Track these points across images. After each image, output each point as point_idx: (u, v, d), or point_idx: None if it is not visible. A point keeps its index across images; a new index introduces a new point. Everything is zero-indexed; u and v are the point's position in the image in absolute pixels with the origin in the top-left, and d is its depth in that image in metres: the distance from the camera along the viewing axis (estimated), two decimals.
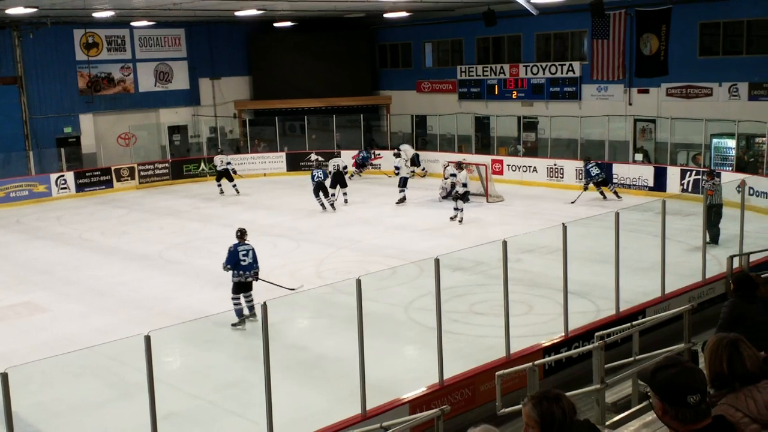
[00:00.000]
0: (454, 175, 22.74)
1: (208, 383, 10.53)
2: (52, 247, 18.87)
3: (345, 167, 22.71)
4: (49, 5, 21.45)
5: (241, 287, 12.38)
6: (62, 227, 21.20)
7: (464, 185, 20.06)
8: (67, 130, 28.14)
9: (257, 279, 12.59)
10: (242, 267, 12.36)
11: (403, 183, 22.57)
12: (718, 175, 17.05)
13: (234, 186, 24.96)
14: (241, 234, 12.78)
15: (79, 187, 26.15)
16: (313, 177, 21.77)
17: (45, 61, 27.24)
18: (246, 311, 12.39)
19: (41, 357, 9.45)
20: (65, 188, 25.88)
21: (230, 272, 12.42)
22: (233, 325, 12.20)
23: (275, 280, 14.82)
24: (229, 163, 25.14)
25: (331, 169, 22.42)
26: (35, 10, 21.57)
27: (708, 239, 14.12)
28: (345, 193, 22.36)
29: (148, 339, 6.59)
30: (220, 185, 25.01)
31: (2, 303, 14.30)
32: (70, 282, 15.64)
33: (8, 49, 26.54)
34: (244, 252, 12.43)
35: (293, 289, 13.51)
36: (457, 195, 19.89)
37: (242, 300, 12.41)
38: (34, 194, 25.24)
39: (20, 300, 14.43)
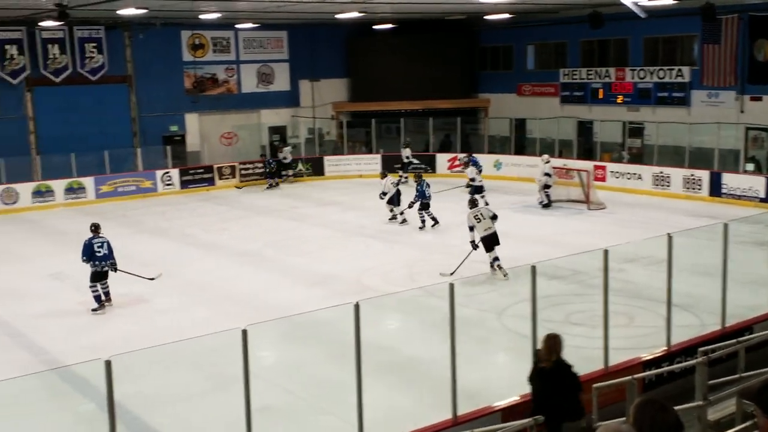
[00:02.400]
0: (549, 174, 22.27)
1: (300, 379, 10.64)
2: (155, 241, 19.52)
3: (398, 182, 21.32)
4: (158, 7, 22.23)
5: (98, 276, 13.76)
6: (166, 222, 21.90)
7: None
8: (173, 128, 29.10)
9: (115, 270, 13.95)
10: (98, 258, 13.67)
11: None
12: None
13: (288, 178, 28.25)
14: (95, 228, 13.98)
15: (183, 184, 26.98)
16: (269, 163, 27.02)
17: (154, 61, 28.24)
18: (103, 297, 13.77)
19: (142, 346, 9.73)
20: (170, 184, 26.76)
21: (89, 263, 13.71)
22: (93, 310, 13.65)
23: (368, 281, 14.89)
24: (284, 158, 28.16)
25: (390, 186, 20.76)
26: (146, 11, 22.39)
27: None
28: (398, 209, 20.46)
29: (245, 333, 6.66)
30: (276, 180, 27.63)
31: None
32: (171, 275, 16.09)
33: (119, 49, 27.65)
34: (99, 244, 13.73)
35: (152, 279, 14.46)
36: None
37: (99, 287, 13.76)
38: (141, 189, 26.19)
39: (123, 291, 14.93)
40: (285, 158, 28.01)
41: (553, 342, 7.51)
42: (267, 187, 27.33)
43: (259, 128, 30.79)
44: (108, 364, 6.16)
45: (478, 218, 15.16)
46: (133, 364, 10.21)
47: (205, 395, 10.21)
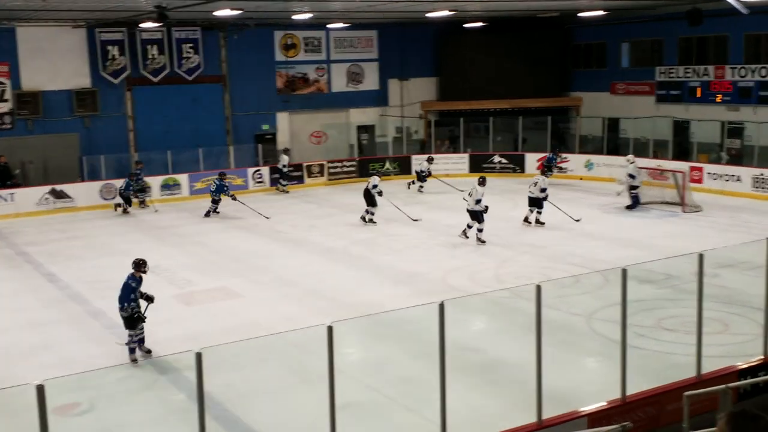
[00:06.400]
0: (632, 176, 21.68)
1: (384, 377, 10.69)
2: (246, 237, 19.97)
3: (375, 186, 20.95)
4: (253, 8, 22.73)
5: None
6: (256, 219, 22.36)
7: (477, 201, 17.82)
8: (265, 127, 29.69)
9: None
10: None
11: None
12: None
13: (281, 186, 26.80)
14: None
15: (273, 182, 27.47)
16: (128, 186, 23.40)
17: (247, 61, 28.88)
18: None
19: (232, 340, 9.98)
20: (261, 182, 27.31)
21: None
22: None
23: (454, 281, 14.86)
24: (283, 166, 26.88)
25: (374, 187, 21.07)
26: (240, 12, 22.93)
27: None
28: (369, 212, 20.91)
29: (330, 329, 6.74)
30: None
31: (199, 287, 15.28)
32: (261, 270, 16.46)
33: (215, 50, 28.39)
34: None
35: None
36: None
37: None
38: (233, 187, 26.64)
39: (215, 285, 15.35)
40: (284, 166, 26.90)
41: None
42: (123, 211, 23.55)
43: (347, 127, 31.10)
44: (198, 356, 6.34)
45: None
46: (222, 356, 10.49)
47: (291, 389, 10.38)
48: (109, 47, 26.32)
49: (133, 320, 11.17)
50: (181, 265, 16.93)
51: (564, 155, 28.08)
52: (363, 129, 31.48)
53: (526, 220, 20.03)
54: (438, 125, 31.29)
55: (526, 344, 8.35)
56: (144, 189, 24.27)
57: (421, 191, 25.90)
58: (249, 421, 9.51)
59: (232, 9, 22.15)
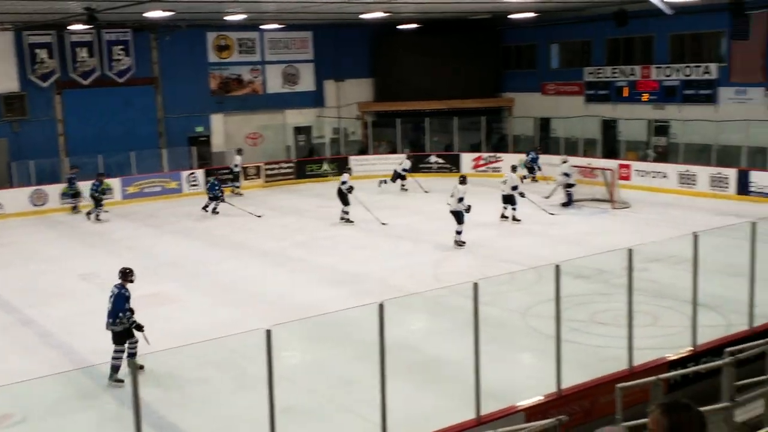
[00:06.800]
0: (567, 174, 22.19)
1: (324, 379, 10.69)
2: (181, 241, 19.70)
3: (344, 182, 20.97)
4: (184, 9, 22.42)
5: None
6: (192, 222, 22.09)
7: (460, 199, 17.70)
8: (199, 129, 29.31)
9: None
10: None
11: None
12: None
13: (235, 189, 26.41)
14: None
15: (208, 184, 27.09)
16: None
17: (179, 62, 28.46)
18: None
19: (168, 346, 9.82)
20: (195, 185, 26.96)
21: None
22: None
23: (395, 281, 14.91)
24: (235, 166, 26.81)
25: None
26: (172, 13, 22.60)
27: None
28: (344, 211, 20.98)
29: (268, 333, 6.72)
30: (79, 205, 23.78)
31: (134, 293, 14.93)
32: (197, 275, 16.26)
33: (146, 51, 27.91)
34: None
35: None
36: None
37: None
38: (166, 190, 26.43)
39: (151, 291, 15.02)
40: (236, 165, 26.83)
41: None
42: (95, 217, 22.76)
43: (284, 128, 30.95)
44: (134, 363, 6.24)
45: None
46: (158, 363, 10.34)
47: (231, 395, 10.29)
48: (38, 50, 25.64)
49: (125, 333, 10.63)
50: (114, 271, 16.55)
51: (498, 155, 28.52)
52: (299, 130, 31.37)
53: (502, 216, 20.31)
54: (375, 126, 31.38)
55: (464, 342, 8.46)
56: (77, 194, 23.72)
57: (405, 189, 26.03)
58: (186, 427, 9.40)
59: (164, 10, 21.82)
